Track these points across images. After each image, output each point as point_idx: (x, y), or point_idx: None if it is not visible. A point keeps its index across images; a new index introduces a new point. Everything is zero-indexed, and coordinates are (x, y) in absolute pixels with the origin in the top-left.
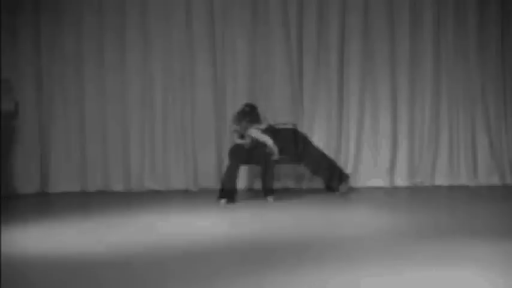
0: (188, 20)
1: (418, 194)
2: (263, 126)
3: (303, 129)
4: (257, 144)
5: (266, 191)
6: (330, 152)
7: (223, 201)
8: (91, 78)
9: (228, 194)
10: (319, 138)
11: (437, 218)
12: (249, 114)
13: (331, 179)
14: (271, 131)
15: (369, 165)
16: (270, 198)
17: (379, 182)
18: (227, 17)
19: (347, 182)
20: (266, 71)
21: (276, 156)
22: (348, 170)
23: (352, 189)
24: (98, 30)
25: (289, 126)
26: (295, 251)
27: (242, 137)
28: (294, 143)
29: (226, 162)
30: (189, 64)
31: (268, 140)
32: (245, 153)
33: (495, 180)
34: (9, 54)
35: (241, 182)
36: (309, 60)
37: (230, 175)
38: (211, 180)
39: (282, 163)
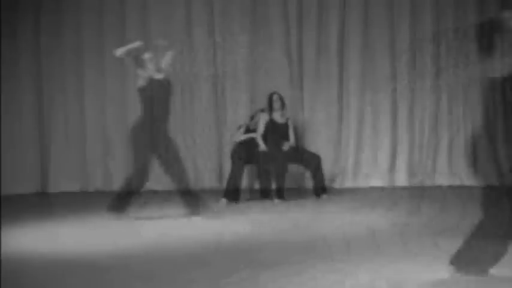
0: (188, 20)
1: (418, 194)
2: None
3: (303, 129)
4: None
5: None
6: (329, 152)
7: (223, 200)
8: (91, 78)
9: (232, 195)
10: (319, 139)
11: (437, 218)
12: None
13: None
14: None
15: (369, 165)
16: (276, 199)
17: (379, 181)
18: (227, 18)
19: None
20: (266, 71)
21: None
22: (348, 170)
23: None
24: (98, 30)
25: None
26: (295, 253)
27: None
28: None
29: (226, 161)
30: (189, 65)
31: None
32: (248, 153)
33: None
34: (9, 54)
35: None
36: (309, 60)
37: (235, 176)
38: (212, 180)
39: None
